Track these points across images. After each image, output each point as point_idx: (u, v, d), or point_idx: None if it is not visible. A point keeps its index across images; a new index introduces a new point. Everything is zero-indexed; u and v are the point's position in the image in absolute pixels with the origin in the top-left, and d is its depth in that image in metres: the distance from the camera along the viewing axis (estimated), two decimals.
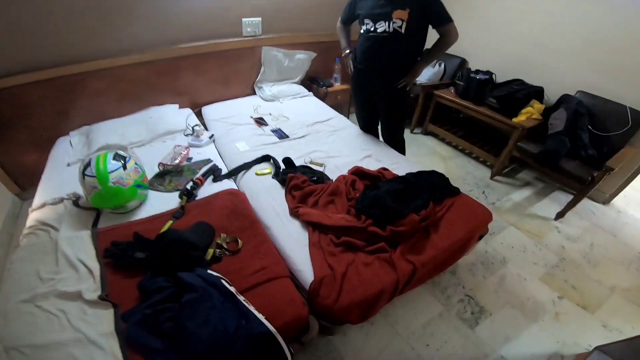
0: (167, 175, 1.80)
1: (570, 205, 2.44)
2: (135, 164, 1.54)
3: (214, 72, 2.58)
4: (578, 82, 2.59)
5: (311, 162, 1.95)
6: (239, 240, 1.36)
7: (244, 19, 2.49)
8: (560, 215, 2.48)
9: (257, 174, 1.83)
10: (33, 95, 1.99)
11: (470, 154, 3.12)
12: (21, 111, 2.01)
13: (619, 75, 2.42)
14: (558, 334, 1.71)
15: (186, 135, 2.20)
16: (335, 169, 1.91)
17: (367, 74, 2.09)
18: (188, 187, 1.66)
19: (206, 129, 2.35)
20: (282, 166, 1.89)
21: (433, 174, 1.82)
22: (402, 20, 1.77)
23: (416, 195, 1.59)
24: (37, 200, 1.59)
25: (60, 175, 1.78)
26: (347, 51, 2.18)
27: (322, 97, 2.89)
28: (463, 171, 2.91)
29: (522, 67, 2.85)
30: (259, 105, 2.60)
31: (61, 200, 1.57)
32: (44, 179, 1.77)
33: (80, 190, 1.53)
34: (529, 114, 2.53)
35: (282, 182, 1.74)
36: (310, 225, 1.46)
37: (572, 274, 2.07)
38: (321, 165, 1.94)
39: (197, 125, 2.23)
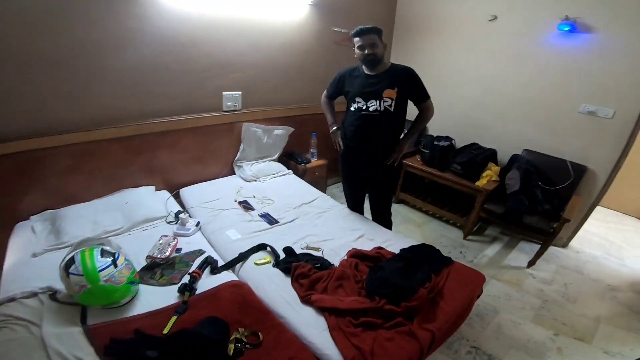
0: (157, 268, 1.78)
1: (539, 254, 2.80)
2: (126, 260, 1.55)
3: (193, 149, 2.63)
4: (523, 140, 3.11)
5: (308, 248, 2.03)
6: (259, 333, 1.39)
7: (224, 93, 2.65)
8: (531, 263, 2.82)
9: (256, 264, 1.87)
10: None
11: (440, 218, 3.44)
12: None
13: (554, 132, 2.95)
14: None
15: (169, 222, 2.20)
16: (333, 252, 2.01)
17: (358, 151, 2.24)
18: (186, 281, 1.67)
19: (187, 213, 2.37)
20: (281, 254, 1.94)
21: (424, 247, 2.04)
22: (392, 99, 2.00)
23: (416, 270, 1.78)
24: (4, 293, 1.51)
25: (26, 267, 1.70)
26: (335, 127, 2.32)
27: (301, 174, 3.04)
28: (438, 234, 3.20)
29: (475, 131, 3.36)
30: (241, 187, 2.68)
31: (34, 294, 1.50)
32: (6, 271, 1.68)
33: (56, 284, 1.49)
34: (489, 176, 2.95)
35: (285, 271, 1.80)
36: (326, 311, 1.55)
37: (558, 312, 2.34)
38: (318, 249, 2.03)
39: (181, 212, 2.25)
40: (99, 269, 1.39)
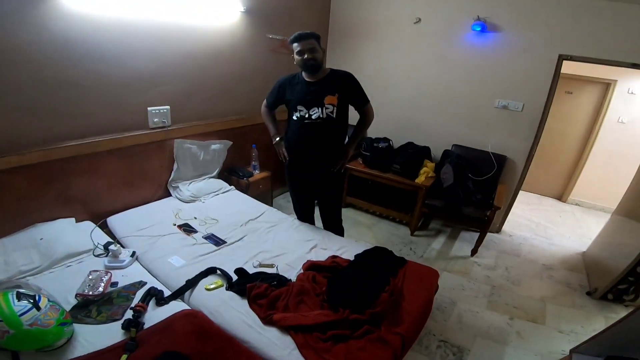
0: (91, 306, 1.62)
1: (479, 242, 3.04)
2: (50, 301, 1.41)
3: (117, 173, 2.39)
4: (451, 136, 3.39)
5: (261, 265, 1.97)
6: None
7: (149, 108, 2.43)
8: (474, 251, 3.07)
9: (207, 290, 1.76)
10: None
11: (388, 217, 3.58)
12: None
13: (476, 126, 3.27)
14: (531, 348, 2.07)
15: (97, 256, 1.98)
16: (288, 267, 1.98)
17: (304, 161, 2.23)
18: (131, 316, 1.52)
19: (119, 243, 2.15)
20: (233, 276, 1.86)
21: (378, 250, 2.10)
22: (333, 106, 2.03)
23: (374, 274, 1.83)
24: None
25: None
26: (278, 138, 2.26)
27: (245, 189, 2.95)
28: (388, 234, 3.33)
29: (410, 130, 3.58)
30: (180, 209, 2.50)
31: None
32: None
33: None
34: (426, 173, 3.16)
35: (240, 293, 1.73)
36: (291, 329, 1.50)
37: (507, 296, 2.55)
38: (272, 266, 1.97)
39: (111, 243, 2.03)
40: (18, 314, 1.28)
